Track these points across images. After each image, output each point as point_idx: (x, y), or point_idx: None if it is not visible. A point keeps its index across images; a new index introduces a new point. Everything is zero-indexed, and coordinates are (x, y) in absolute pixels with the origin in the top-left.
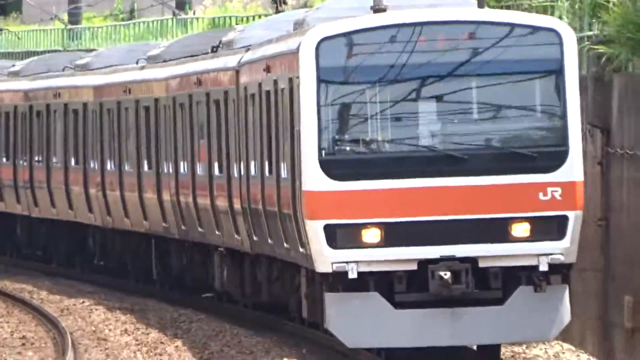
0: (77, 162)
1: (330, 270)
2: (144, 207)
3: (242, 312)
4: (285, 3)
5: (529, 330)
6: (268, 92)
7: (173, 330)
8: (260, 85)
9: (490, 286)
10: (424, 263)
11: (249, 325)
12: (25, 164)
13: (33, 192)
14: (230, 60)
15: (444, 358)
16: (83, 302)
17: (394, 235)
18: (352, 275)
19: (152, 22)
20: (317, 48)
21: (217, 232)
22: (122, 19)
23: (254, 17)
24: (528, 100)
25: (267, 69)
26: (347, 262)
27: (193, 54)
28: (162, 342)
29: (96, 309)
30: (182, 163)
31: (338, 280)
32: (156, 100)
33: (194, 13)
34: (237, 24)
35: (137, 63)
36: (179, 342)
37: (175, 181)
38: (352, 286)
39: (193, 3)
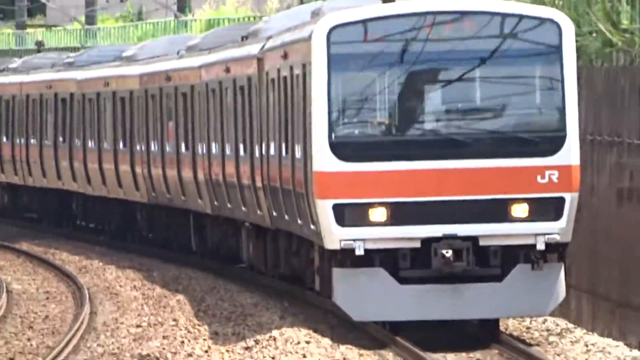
0: (124, 145)
1: (338, 247)
2: (182, 185)
3: (241, 273)
4: None
5: (526, 306)
6: (285, 78)
7: (175, 286)
8: (278, 71)
9: (490, 264)
10: (427, 241)
11: (243, 284)
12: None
13: (87, 171)
14: (253, 49)
15: (446, 331)
16: (99, 262)
17: (399, 214)
18: (359, 252)
19: (157, 22)
20: (328, 35)
21: (243, 208)
22: (131, 20)
23: (244, 18)
24: (528, 87)
25: (285, 56)
26: (354, 240)
27: (225, 44)
28: (165, 297)
29: (109, 268)
30: (213, 144)
31: (345, 257)
32: (192, 87)
33: (193, 15)
34: (229, 24)
35: (177, 53)
36: (180, 297)
37: (207, 161)
38: (359, 262)
39: (192, 6)
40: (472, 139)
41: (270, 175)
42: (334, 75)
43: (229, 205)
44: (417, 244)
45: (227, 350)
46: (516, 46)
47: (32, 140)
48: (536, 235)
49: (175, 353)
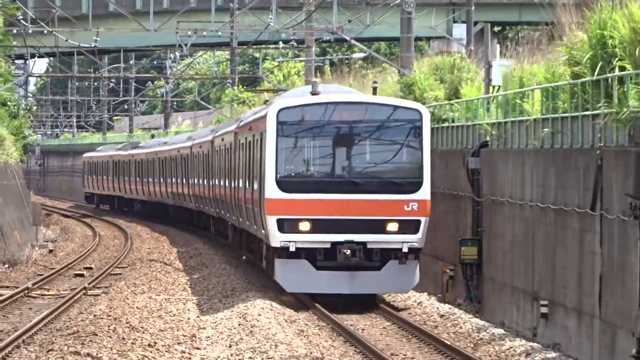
0: (180, 179)
1: (279, 245)
2: (201, 199)
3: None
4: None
5: (395, 286)
6: (250, 142)
7: (181, 247)
8: (246, 138)
9: (373, 259)
10: (334, 244)
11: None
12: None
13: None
14: (233, 128)
15: (345, 301)
16: (137, 225)
17: (318, 226)
18: (292, 249)
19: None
20: (278, 113)
21: (227, 214)
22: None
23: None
24: (400, 149)
25: (250, 129)
26: (289, 241)
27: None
28: (161, 239)
29: (141, 228)
30: (217, 179)
31: (283, 252)
32: (208, 150)
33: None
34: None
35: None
36: (181, 249)
37: (213, 187)
38: (291, 255)
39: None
40: (364, 181)
41: (238, 197)
42: (280, 138)
43: (222, 212)
44: (328, 245)
45: (183, 258)
46: (393, 124)
47: (142, 178)
48: (403, 242)
49: (164, 256)
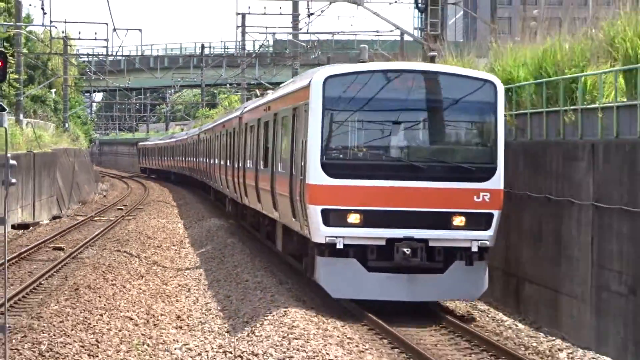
0: (209, 158)
1: (324, 241)
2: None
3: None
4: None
5: (461, 292)
6: (283, 119)
7: (176, 195)
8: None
9: (435, 259)
10: (390, 240)
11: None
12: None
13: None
14: (238, 113)
15: (401, 309)
16: (159, 186)
17: (371, 219)
18: (339, 246)
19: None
20: (324, 82)
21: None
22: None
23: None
24: (470, 128)
25: (283, 103)
26: (336, 237)
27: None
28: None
29: (164, 186)
30: (231, 159)
31: (328, 249)
32: (229, 130)
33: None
34: None
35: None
36: (176, 196)
37: (222, 166)
38: (337, 253)
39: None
40: (427, 165)
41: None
42: (327, 113)
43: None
44: (383, 242)
45: (176, 200)
46: (462, 98)
47: (172, 157)
48: (472, 240)
49: (166, 199)
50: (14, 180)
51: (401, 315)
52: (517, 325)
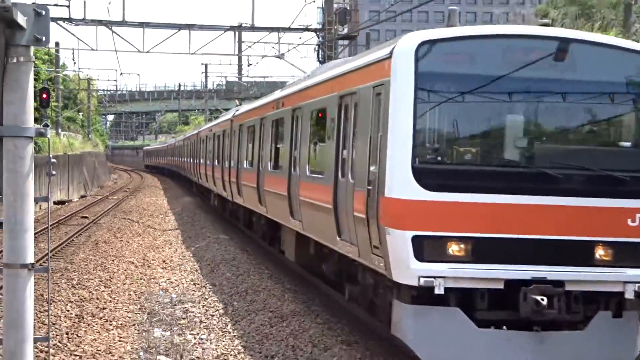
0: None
1: (416, 284)
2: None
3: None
4: None
5: (606, 356)
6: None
7: (165, 184)
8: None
9: (572, 309)
10: (512, 283)
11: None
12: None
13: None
14: (229, 116)
15: None
16: (161, 180)
17: (482, 251)
18: (439, 290)
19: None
20: (416, 51)
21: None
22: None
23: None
24: (624, 123)
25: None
26: (434, 277)
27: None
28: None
29: (164, 179)
30: (227, 160)
31: (421, 294)
32: (223, 132)
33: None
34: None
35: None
36: (164, 184)
37: (215, 165)
38: (433, 300)
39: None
40: (563, 174)
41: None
42: (420, 93)
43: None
44: (501, 285)
45: (163, 185)
46: (613, 79)
47: (165, 158)
48: (625, 282)
49: (157, 185)
50: (54, 172)
51: None
52: None
